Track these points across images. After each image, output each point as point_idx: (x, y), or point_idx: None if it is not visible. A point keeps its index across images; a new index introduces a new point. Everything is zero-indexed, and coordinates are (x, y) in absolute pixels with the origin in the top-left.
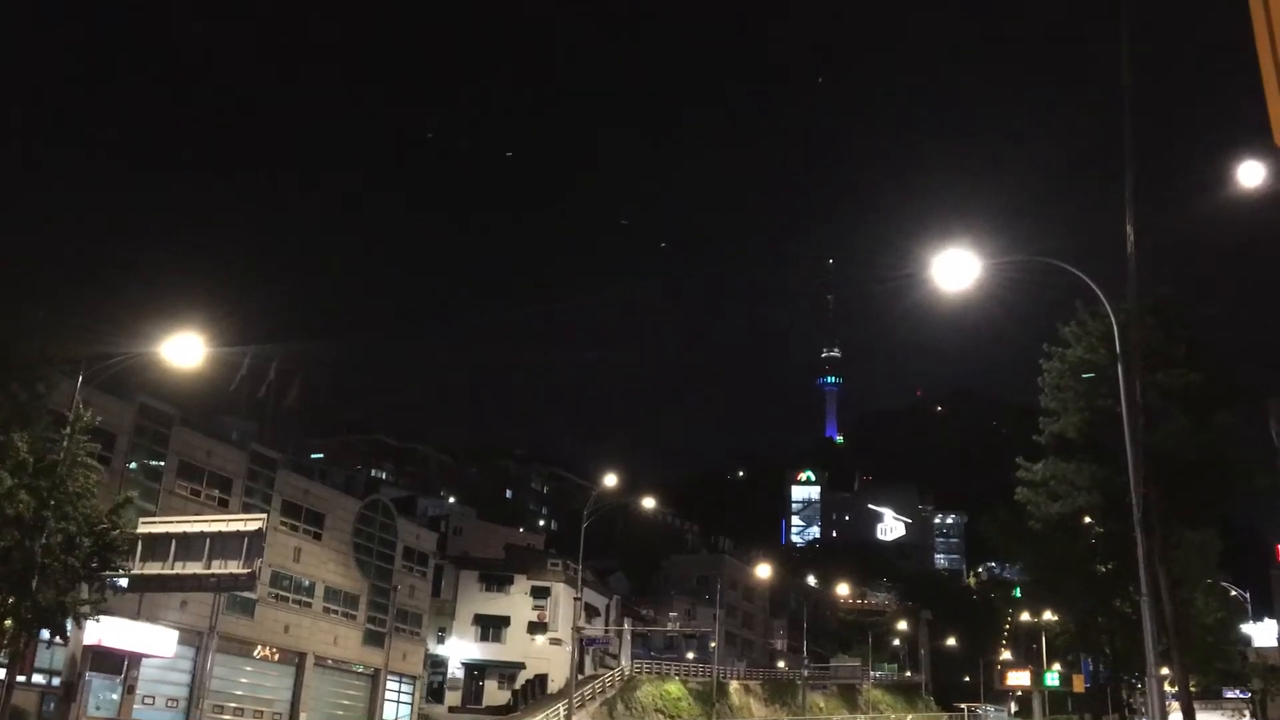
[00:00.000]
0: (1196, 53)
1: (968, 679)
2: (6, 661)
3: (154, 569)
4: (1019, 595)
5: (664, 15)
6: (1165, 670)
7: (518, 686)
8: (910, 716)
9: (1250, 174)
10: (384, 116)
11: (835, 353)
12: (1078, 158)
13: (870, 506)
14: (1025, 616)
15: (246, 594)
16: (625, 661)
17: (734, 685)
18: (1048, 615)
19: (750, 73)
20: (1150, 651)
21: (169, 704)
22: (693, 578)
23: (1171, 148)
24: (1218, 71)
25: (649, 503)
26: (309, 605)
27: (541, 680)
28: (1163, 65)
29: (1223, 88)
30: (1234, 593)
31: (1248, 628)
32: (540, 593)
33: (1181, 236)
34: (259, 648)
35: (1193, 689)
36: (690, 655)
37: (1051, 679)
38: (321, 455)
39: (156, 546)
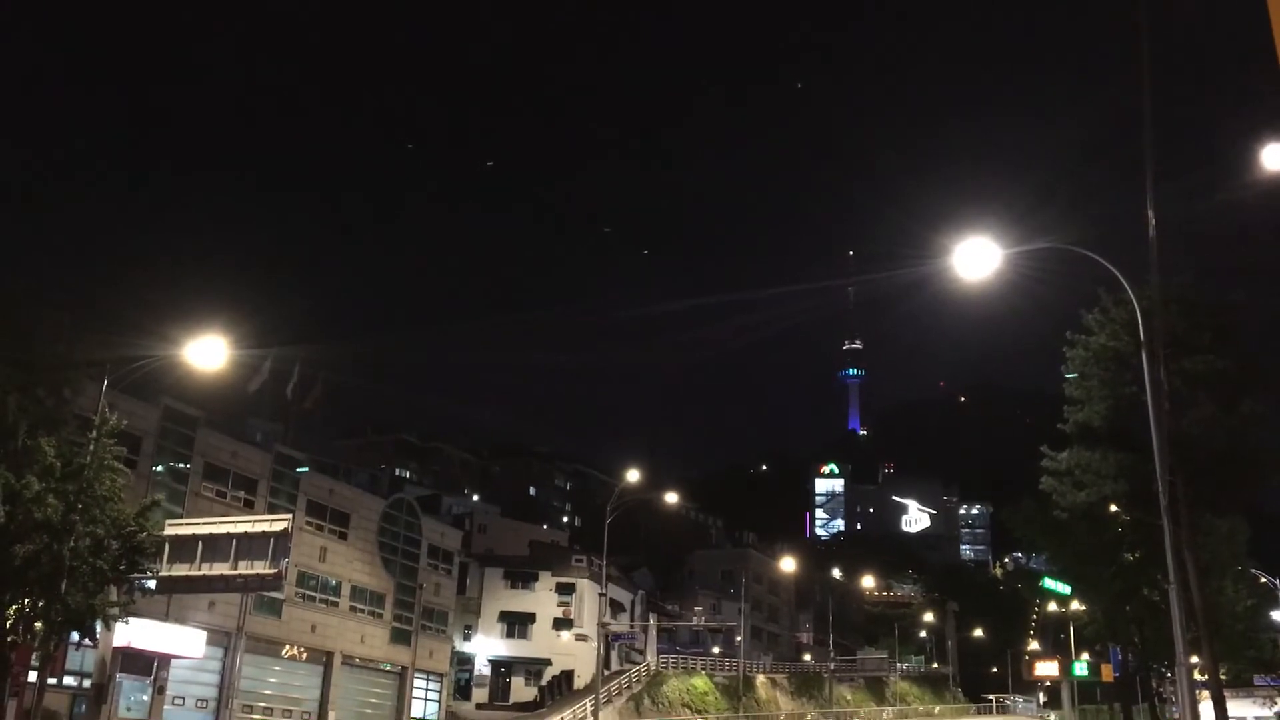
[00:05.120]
0: (1220, 34)
1: (995, 670)
2: (38, 664)
3: (181, 570)
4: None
5: (670, 8)
6: (1195, 659)
7: (544, 683)
8: (938, 708)
9: (1274, 157)
10: (387, 120)
11: (857, 345)
12: (1100, 145)
13: (894, 498)
14: (1053, 606)
15: (273, 594)
16: (651, 656)
17: (760, 679)
18: (1075, 605)
19: (760, 67)
20: (1179, 640)
21: (199, 704)
22: (717, 572)
23: (1194, 132)
24: (1241, 54)
25: (672, 498)
26: (336, 604)
27: (568, 676)
28: (1187, 49)
29: (1246, 70)
30: (1264, 580)
31: (1278, 615)
32: (565, 589)
33: (1206, 221)
34: (287, 647)
35: (1223, 677)
36: (716, 649)
37: (1080, 669)
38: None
39: (183, 548)
